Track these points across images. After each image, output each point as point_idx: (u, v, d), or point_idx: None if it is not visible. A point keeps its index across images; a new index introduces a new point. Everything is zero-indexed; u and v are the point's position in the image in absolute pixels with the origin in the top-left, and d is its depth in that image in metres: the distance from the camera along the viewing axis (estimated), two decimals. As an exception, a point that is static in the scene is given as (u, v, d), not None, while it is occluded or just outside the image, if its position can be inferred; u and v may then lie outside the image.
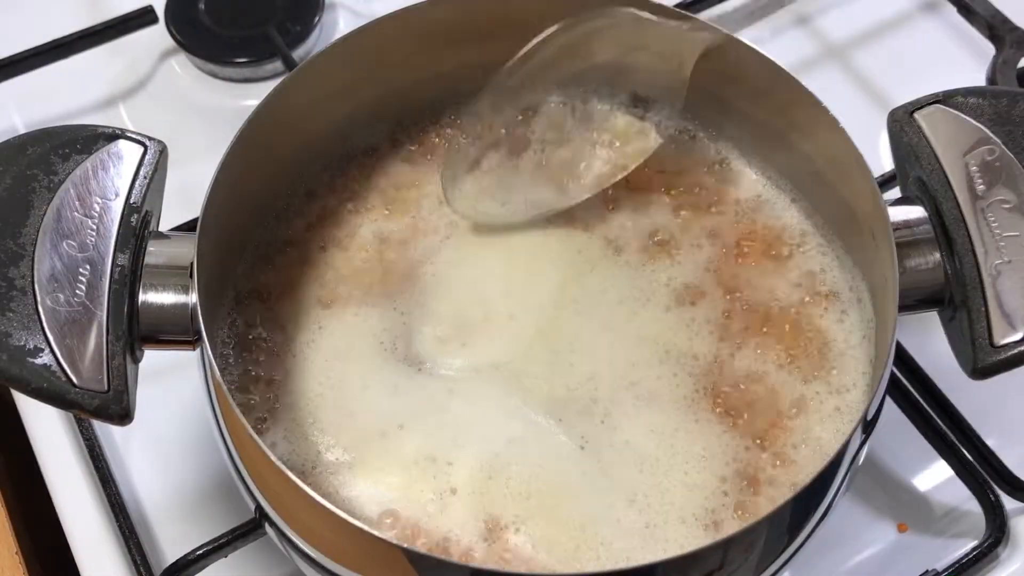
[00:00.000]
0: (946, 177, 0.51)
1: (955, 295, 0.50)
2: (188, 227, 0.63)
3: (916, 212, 0.52)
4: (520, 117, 0.56)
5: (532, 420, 0.52)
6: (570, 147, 0.56)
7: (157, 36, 0.79)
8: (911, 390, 0.62)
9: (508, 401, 0.52)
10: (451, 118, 0.63)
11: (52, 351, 0.45)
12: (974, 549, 0.58)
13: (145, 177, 0.50)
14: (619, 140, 0.56)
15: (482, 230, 0.58)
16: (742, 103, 0.59)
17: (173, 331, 0.49)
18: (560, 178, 0.57)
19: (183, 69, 0.80)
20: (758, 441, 0.52)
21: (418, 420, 0.52)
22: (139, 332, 0.48)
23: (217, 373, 0.47)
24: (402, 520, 0.50)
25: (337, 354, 0.55)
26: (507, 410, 0.52)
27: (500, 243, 0.58)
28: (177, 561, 0.56)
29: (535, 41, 0.52)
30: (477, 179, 0.56)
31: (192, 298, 0.48)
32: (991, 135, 0.52)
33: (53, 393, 0.45)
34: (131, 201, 0.49)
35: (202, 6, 0.80)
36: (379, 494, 0.50)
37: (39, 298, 0.46)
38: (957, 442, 0.60)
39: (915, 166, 0.52)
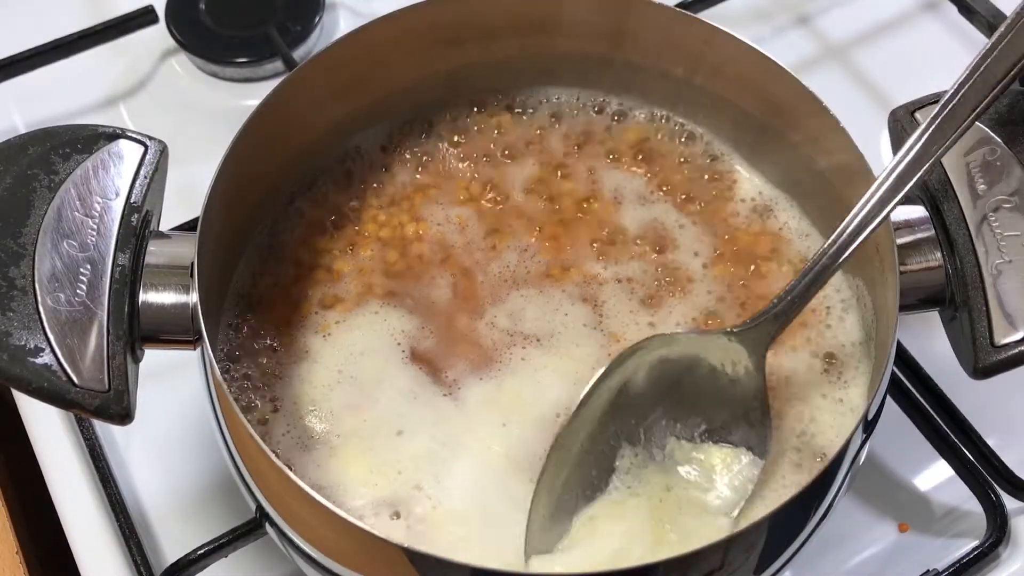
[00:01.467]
0: (947, 177, 0.51)
1: (956, 295, 0.50)
2: (189, 227, 0.63)
3: (917, 212, 0.52)
4: (594, 472, 0.49)
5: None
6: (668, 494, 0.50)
7: (157, 36, 0.79)
8: (912, 390, 0.62)
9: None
10: (451, 118, 0.63)
11: (53, 351, 0.45)
12: (975, 549, 0.58)
13: (146, 177, 0.50)
14: (717, 474, 0.50)
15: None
16: (742, 103, 0.59)
17: (174, 331, 0.49)
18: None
19: (183, 69, 0.80)
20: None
21: (422, 426, 0.52)
22: (140, 332, 0.48)
23: (218, 373, 0.47)
24: (403, 520, 0.50)
25: (338, 354, 0.55)
26: None
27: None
28: (177, 561, 0.56)
29: (587, 388, 0.48)
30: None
31: (193, 298, 0.48)
32: (992, 135, 0.52)
33: (53, 393, 0.45)
34: (132, 201, 0.49)
35: (203, 6, 0.80)
36: (380, 494, 0.50)
37: (40, 298, 0.46)
38: (958, 442, 0.60)
39: (916, 166, 0.52)
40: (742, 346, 0.50)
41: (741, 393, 0.50)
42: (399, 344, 0.55)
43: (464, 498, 0.50)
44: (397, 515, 0.50)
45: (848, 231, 0.48)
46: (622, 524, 0.48)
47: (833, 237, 0.49)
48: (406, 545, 0.43)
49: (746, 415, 0.51)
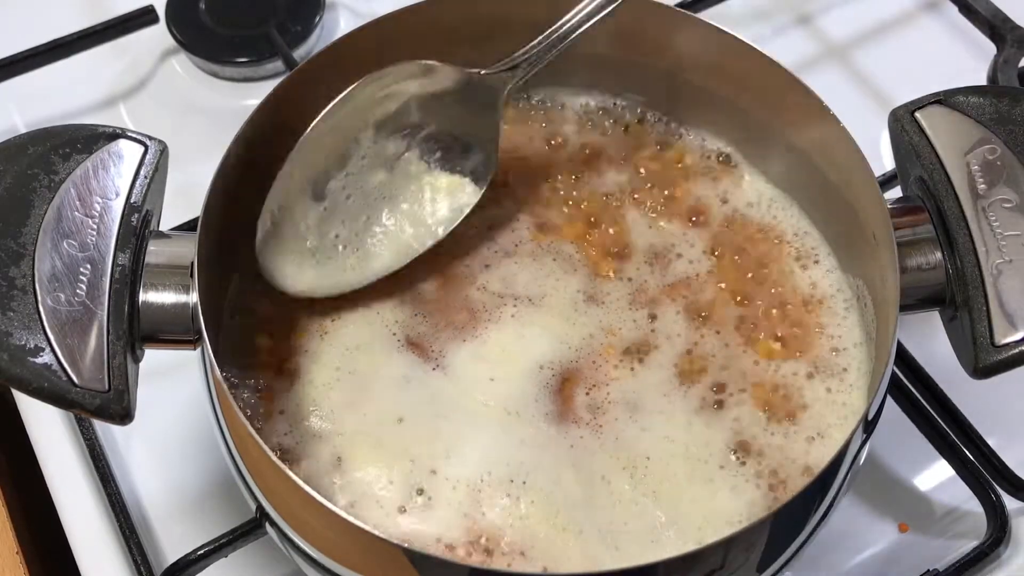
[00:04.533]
0: (947, 176, 0.51)
1: (956, 295, 0.50)
2: (189, 226, 0.63)
3: (917, 212, 0.52)
4: (345, 173, 0.54)
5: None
6: (391, 203, 0.56)
7: (158, 36, 0.80)
8: (912, 390, 0.62)
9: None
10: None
11: (53, 350, 0.45)
12: (975, 549, 0.58)
13: (146, 176, 0.50)
14: (439, 196, 0.57)
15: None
16: (742, 103, 0.59)
17: (174, 330, 0.49)
18: (395, 236, 0.56)
19: (184, 69, 0.80)
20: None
21: (421, 419, 0.52)
22: (140, 331, 0.48)
23: (218, 372, 0.47)
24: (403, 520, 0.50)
25: (339, 353, 0.55)
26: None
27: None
28: (178, 561, 0.56)
29: (335, 101, 0.51)
30: (306, 251, 0.54)
31: (193, 297, 0.48)
32: (992, 134, 0.52)
33: (54, 393, 0.45)
34: (132, 200, 0.49)
35: (203, 6, 0.80)
36: (402, 492, 0.50)
37: (40, 297, 0.46)
38: (958, 442, 0.60)
39: (916, 165, 0.52)
40: (489, 83, 0.55)
41: (479, 130, 0.56)
42: (394, 334, 0.55)
43: (480, 463, 0.51)
44: (429, 505, 0.50)
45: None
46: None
47: (583, 4, 0.54)
48: (406, 545, 0.43)
49: (478, 150, 0.56)
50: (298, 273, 0.53)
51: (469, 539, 0.49)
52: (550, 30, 0.55)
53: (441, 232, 0.56)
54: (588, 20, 0.54)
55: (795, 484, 0.51)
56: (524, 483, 0.50)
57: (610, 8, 0.54)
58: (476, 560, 0.48)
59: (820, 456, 0.51)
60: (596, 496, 0.50)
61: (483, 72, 0.55)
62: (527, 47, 0.55)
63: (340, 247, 0.54)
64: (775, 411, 0.53)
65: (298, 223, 0.53)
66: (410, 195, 0.56)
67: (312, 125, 0.51)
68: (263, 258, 0.52)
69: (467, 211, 0.56)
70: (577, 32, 0.54)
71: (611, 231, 0.59)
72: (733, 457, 0.51)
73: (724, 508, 0.50)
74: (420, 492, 0.50)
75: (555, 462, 0.51)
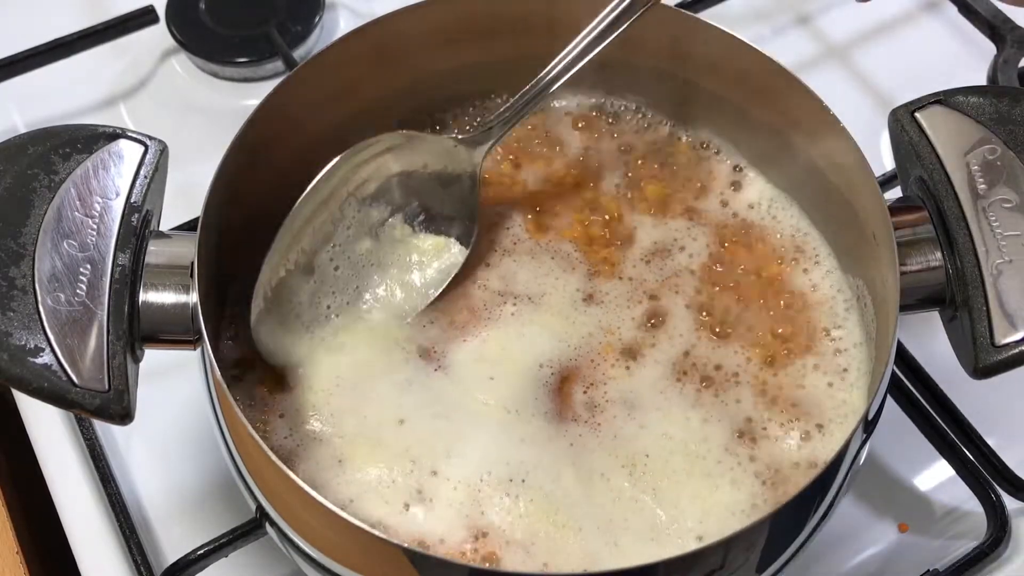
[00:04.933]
0: (947, 176, 0.51)
1: (956, 295, 0.50)
2: (189, 226, 0.63)
3: (917, 212, 0.52)
4: (332, 244, 0.54)
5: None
6: (380, 270, 0.56)
7: (158, 36, 0.80)
8: (912, 390, 0.62)
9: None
10: (451, 118, 0.63)
11: (53, 351, 0.45)
12: (975, 549, 0.58)
13: (146, 176, 0.50)
14: (426, 258, 0.57)
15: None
16: (742, 103, 0.59)
17: (174, 330, 0.49)
18: (387, 302, 0.56)
19: (184, 69, 0.80)
20: (759, 441, 0.52)
21: (422, 420, 0.52)
22: (140, 331, 0.48)
23: (218, 372, 0.47)
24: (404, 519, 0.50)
25: (339, 353, 0.55)
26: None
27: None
28: (178, 561, 0.56)
29: (317, 178, 0.51)
30: (301, 325, 0.54)
31: (193, 297, 0.48)
32: (992, 134, 0.52)
33: (54, 393, 0.45)
34: (132, 200, 0.49)
35: (203, 6, 0.80)
36: (403, 493, 0.50)
37: (40, 297, 0.46)
38: (958, 442, 0.60)
39: (916, 166, 0.52)
40: (465, 150, 0.56)
41: (459, 192, 0.57)
42: (403, 348, 0.55)
43: (480, 463, 0.51)
44: (430, 506, 0.50)
45: (566, 59, 0.54)
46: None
47: (555, 62, 0.54)
48: (406, 545, 0.43)
49: (460, 211, 0.57)
50: (293, 347, 0.54)
51: (470, 537, 0.49)
52: (521, 92, 0.55)
53: (432, 294, 0.56)
54: (562, 75, 0.54)
55: (794, 481, 0.51)
56: (523, 481, 0.50)
57: (584, 61, 0.54)
58: (477, 558, 0.48)
59: (818, 454, 0.51)
60: (595, 494, 0.50)
61: (460, 137, 0.56)
62: (499, 110, 0.56)
63: (333, 316, 0.54)
64: (774, 410, 0.53)
65: (291, 299, 0.53)
66: (398, 260, 0.56)
67: (297, 203, 0.51)
68: (259, 335, 0.52)
69: (455, 272, 0.56)
70: (551, 88, 0.55)
71: (610, 230, 0.59)
72: (731, 452, 0.51)
73: (725, 501, 0.50)
74: (420, 492, 0.50)
75: (554, 460, 0.51)
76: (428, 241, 0.57)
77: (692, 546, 0.48)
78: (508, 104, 0.55)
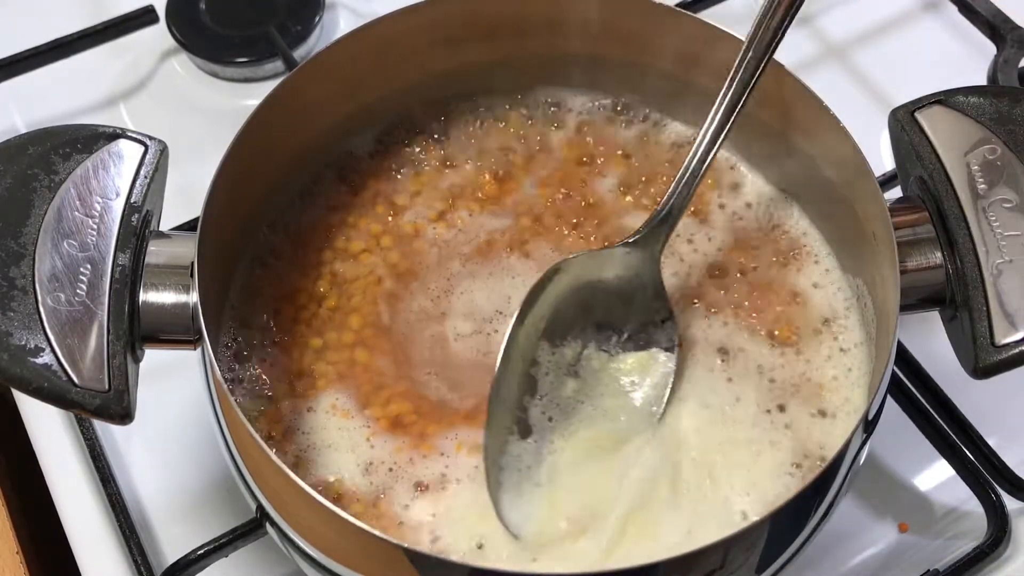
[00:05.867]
0: (947, 176, 0.51)
1: (956, 295, 0.50)
2: (189, 226, 0.63)
3: (917, 212, 0.52)
4: (538, 397, 0.52)
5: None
6: (592, 405, 0.52)
7: (158, 36, 0.80)
8: (912, 390, 0.62)
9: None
10: (452, 118, 0.63)
11: (53, 350, 0.45)
12: (975, 549, 0.58)
13: (146, 176, 0.50)
14: (636, 377, 0.53)
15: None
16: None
17: (174, 330, 0.49)
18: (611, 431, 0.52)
19: (184, 69, 0.80)
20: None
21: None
22: (140, 331, 0.48)
23: (218, 372, 0.47)
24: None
25: (339, 353, 0.55)
26: None
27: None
28: (178, 561, 0.55)
29: (507, 335, 0.50)
30: (535, 485, 0.50)
31: (193, 297, 0.48)
32: (992, 134, 0.52)
33: (54, 393, 0.45)
34: (132, 200, 0.49)
35: (203, 6, 0.80)
36: (380, 492, 0.50)
37: (40, 297, 0.46)
38: (958, 442, 0.60)
39: (916, 166, 0.52)
40: (640, 253, 0.53)
41: (644, 299, 0.54)
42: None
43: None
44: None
45: (707, 137, 0.53)
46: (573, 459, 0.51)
47: (699, 139, 0.53)
48: (406, 545, 0.43)
49: (652, 318, 0.54)
50: (535, 509, 0.50)
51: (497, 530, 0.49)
52: (682, 169, 0.53)
53: (658, 410, 0.52)
54: (709, 151, 0.53)
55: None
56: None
57: (729, 125, 0.52)
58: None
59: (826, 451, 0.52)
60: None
61: (630, 242, 0.53)
62: (668, 194, 0.53)
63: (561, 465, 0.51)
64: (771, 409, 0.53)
65: (519, 467, 0.51)
66: (607, 389, 0.53)
67: (497, 370, 0.50)
68: (504, 513, 0.49)
69: (671, 379, 0.53)
70: (702, 168, 0.53)
71: (610, 230, 0.59)
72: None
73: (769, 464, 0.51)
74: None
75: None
76: (629, 360, 0.54)
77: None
78: (667, 196, 0.53)
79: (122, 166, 0.50)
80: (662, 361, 0.53)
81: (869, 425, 0.48)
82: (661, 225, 0.53)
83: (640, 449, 0.51)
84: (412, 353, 0.55)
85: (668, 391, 0.53)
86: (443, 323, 0.56)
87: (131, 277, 0.48)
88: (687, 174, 0.53)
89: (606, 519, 0.49)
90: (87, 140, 0.50)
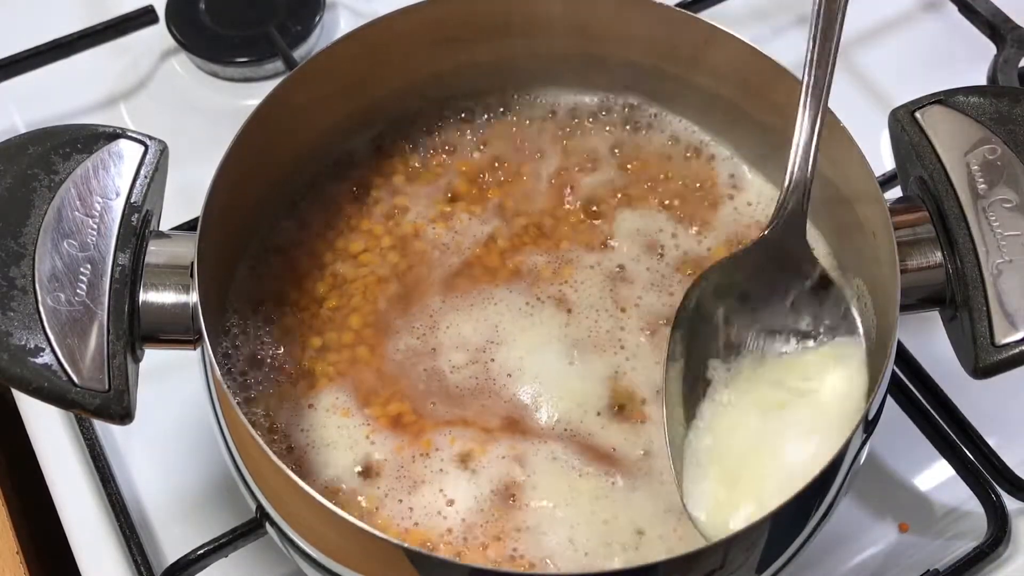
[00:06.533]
0: (947, 176, 0.51)
1: (956, 294, 0.50)
2: (189, 226, 0.63)
3: (917, 211, 0.52)
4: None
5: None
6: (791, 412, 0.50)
7: (158, 36, 0.79)
8: (912, 390, 0.62)
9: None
10: (452, 118, 0.63)
11: (53, 350, 0.45)
12: (975, 549, 0.58)
13: (146, 176, 0.50)
14: (823, 374, 0.50)
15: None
16: (742, 103, 0.59)
17: (174, 330, 0.49)
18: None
19: (184, 69, 0.80)
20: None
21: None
22: (140, 331, 0.48)
23: (218, 372, 0.47)
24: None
25: (339, 353, 0.55)
26: None
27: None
28: (178, 561, 0.55)
29: (674, 341, 0.48)
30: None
31: (193, 297, 0.48)
32: (992, 134, 0.52)
33: (54, 393, 0.45)
34: (132, 200, 0.49)
35: (203, 6, 0.80)
36: (380, 493, 0.50)
37: (40, 297, 0.46)
38: (959, 442, 0.60)
39: (916, 166, 0.52)
40: (782, 237, 0.50)
41: (803, 285, 0.51)
42: (405, 342, 0.55)
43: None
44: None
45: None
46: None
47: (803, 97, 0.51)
48: (406, 545, 0.43)
49: (820, 305, 0.51)
50: (735, 506, 0.48)
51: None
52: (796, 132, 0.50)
53: (865, 404, 0.48)
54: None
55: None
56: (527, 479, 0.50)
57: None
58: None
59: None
60: None
61: (767, 234, 0.51)
62: (790, 165, 0.50)
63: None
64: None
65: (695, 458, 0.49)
66: (801, 400, 0.50)
67: (666, 380, 0.49)
68: (694, 513, 0.48)
69: (864, 370, 0.50)
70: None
71: (609, 230, 0.59)
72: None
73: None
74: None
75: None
76: (810, 359, 0.51)
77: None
78: (791, 163, 0.51)
79: (122, 166, 0.50)
80: (846, 346, 0.50)
81: (869, 425, 0.48)
82: (792, 195, 0.51)
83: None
84: (412, 354, 0.55)
85: (866, 381, 0.49)
86: (447, 315, 0.56)
87: (131, 277, 0.48)
88: (801, 135, 0.50)
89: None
90: (87, 140, 0.50)
